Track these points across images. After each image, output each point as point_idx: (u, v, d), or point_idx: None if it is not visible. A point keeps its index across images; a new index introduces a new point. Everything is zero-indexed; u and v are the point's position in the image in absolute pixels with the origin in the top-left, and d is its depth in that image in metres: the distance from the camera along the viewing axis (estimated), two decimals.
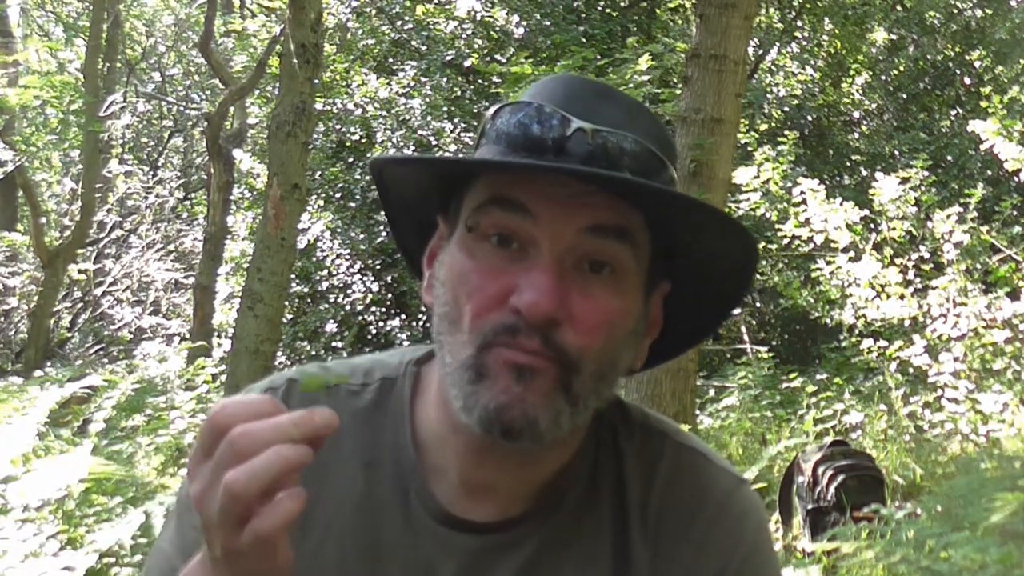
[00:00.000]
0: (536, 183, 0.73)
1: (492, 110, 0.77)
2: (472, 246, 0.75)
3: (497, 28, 11.12)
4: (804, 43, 12.31)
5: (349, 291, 10.44)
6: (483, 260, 0.74)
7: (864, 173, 10.30)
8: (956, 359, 6.28)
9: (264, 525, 0.60)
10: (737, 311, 8.67)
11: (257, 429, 0.61)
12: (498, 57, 10.78)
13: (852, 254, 7.04)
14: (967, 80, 11.54)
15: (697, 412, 6.00)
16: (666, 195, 0.74)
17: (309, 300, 10.61)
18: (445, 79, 10.49)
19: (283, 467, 0.60)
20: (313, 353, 10.04)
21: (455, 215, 0.78)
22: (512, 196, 0.73)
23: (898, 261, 6.98)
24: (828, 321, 7.33)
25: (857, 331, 7.07)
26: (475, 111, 10.26)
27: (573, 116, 0.73)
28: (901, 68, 11.82)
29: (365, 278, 10.37)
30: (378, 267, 10.24)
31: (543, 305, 0.70)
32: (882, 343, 6.76)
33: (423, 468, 0.83)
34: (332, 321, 10.28)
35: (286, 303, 7.23)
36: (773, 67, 12.51)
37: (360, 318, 10.29)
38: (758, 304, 10.45)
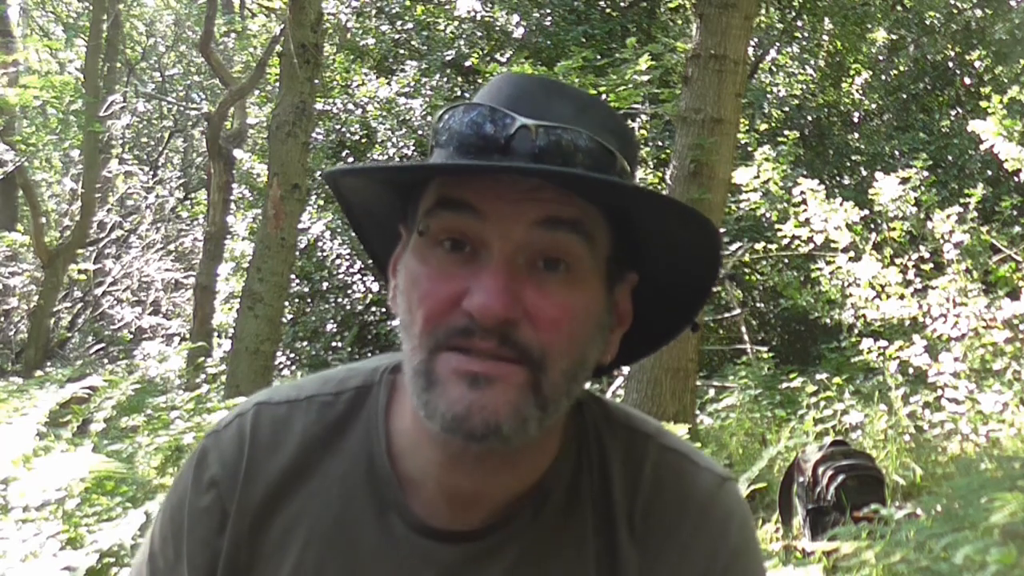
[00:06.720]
0: (484, 182, 0.72)
1: (439, 113, 0.76)
2: (425, 252, 0.74)
3: (497, 28, 11.12)
4: (804, 43, 12.31)
5: (349, 291, 10.44)
6: (435, 265, 0.73)
7: (864, 173, 10.30)
8: (956, 359, 6.27)
9: None
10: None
11: None
12: (498, 57, 10.80)
13: (852, 254, 7.04)
14: (967, 80, 11.54)
15: (697, 412, 6.00)
16: (610, 186, 0.73)
17: (309, 300, 10.61)
18: (445, 79, 10.49)
19: None
20: (313, 353, 10.04)
21: (412, 221, 0.78)
22: (459, 197, 0.72)
23: (898, 261, 6.98)
24: (828, 321, 7.33)
25: (857, 331, 7.07)
26: None
27: (520, 114, 0.72)
28: (901, 68, 11.82)
29: (365, 278, 10.38)
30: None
31: (495, 307, 0.69)
32: (882, 343, 6.75)
33: (399, 478, 0.81)
34: (332, 321, 10.28)
35: (286, 303, 7.24)
36: (773, 67, 12.51)
37: (360, 318, 10.29)
38: (758, 304, 10.45)
